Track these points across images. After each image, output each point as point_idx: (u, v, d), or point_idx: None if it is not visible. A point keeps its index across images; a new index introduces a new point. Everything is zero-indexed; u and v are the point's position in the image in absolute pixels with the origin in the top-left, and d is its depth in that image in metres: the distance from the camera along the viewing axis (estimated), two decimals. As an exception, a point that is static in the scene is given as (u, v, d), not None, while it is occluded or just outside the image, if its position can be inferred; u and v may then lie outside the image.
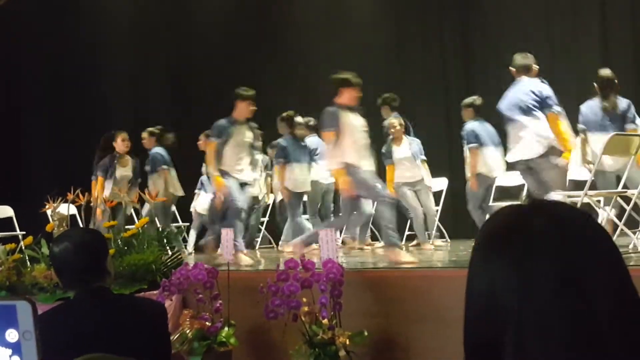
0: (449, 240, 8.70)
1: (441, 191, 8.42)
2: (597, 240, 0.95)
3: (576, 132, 5.75)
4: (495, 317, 0.92)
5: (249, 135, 6.62)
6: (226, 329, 4.26)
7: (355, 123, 5.63)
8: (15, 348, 1.02)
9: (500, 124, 6.20)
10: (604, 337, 0.87)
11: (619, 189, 5.16)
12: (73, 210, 7.18)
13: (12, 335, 1.02)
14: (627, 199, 5.23)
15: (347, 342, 3.80)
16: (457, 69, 10.65)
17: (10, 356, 1.02)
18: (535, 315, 0.89)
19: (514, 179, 7.10)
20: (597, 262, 0.92)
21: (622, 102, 5.79)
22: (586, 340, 0.87)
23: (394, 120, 7.81)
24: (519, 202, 1.02)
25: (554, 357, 0.87)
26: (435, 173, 8.23)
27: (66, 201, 5.85)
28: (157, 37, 11.48)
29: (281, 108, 9.88)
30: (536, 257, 0.91)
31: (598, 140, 5.51)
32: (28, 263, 5.26)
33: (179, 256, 5.19)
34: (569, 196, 4.95)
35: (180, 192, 8.56)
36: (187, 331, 4.23)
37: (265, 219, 9.44)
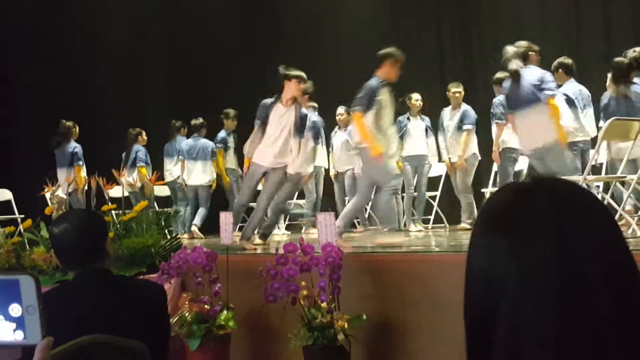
0: (447, 225, 8.75)
1: (440, 177, 8.43)
2: (598, 219, 0.93)
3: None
4: (493, 295, 0.91)
5: None
6: (225, 312, 4.28)
7: None
8: (19, 322, 1.03)
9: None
10: (600, 321, 0.86)
11: (619, 173, 5.16)
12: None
13: (15, 309, 1.02)
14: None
15: (346, 326, 3.82)
16: (454, 58, 10.65)
17: (14, 330, 1.03)
18: (531, 295, 0.88)
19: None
20: (597, 243, 0.90)
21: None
22: (582, 323, 0.86)
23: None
24: (521, 181, 1.00)
25: (547, 338, 0.87)
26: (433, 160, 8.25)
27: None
28: (156, 32, 11.45)
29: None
30: (534, 236, 0.90)
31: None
32: (27, 246, 5.27)
33: (178, 239, 5.20)
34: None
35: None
36: (186, 314, 4.24)
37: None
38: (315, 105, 8.12)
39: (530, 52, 5.54)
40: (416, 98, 8.19)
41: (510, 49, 5.52)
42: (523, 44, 5.58)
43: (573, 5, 9.61)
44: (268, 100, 6.14)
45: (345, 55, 10.84)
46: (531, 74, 5.40)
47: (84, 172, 8.55)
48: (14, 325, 1.03)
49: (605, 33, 9.28)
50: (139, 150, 9.19)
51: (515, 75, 5.42)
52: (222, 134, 9.06)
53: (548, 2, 9.77)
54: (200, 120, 9.14)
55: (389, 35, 10.97)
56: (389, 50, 5.66)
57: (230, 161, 9.04)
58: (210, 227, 8.76)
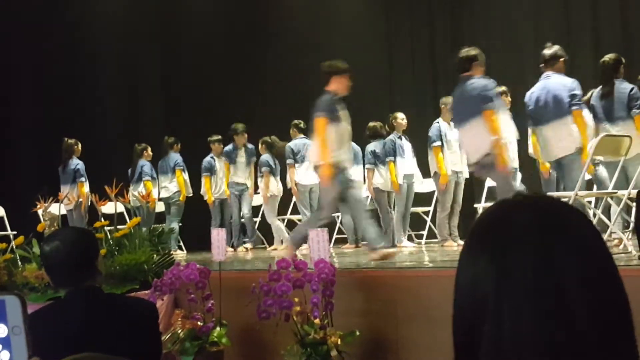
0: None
1: (433, 192, 8.44)
2: (581, 235, 0.94)
3: None
4: (477, 308, 0.92)
5: None
6: (218, 328, 4.26)
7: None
8: (5, 343, 1.03)
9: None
10: (580, 334, 0.87)
11: (610, 189, 5.17)
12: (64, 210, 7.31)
13: (1, 330, 1.03)
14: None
15: (339, 342, 3.81)
16: (446, 64, 10.70)
17: (0, 351, 1.03)
18: (511, 307, 0.89)
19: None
20: (579, 258, 0.91)
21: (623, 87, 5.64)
22: (560, 335, 0.87)
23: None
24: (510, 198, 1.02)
25: (527, 351, 0.87)
26: (425, 173, 8.23)
27: (57, 201, 5.83)
28: (151, 37, 11.46)
29: (272, 106, 9.95)
30: (515, 249, 0.92)
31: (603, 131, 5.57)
32: (19, 263, 5.25)
33: (171, 256, 5.18)
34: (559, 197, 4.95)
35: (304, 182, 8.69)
36: (179, 331, 4.22)
37: (258, 219, 9.45)
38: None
39: (621, 65, 5.62)
40: (402, 117, 8.24)
41: (606, 60, 5.59)
42: (613, 56, 5.63)
43: (565, 6, 9.69)
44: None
45: (336, 52, 10.91)
46: (624, 89, 5.49)
47: (86, 189, 8.66)
48: (0, 346, 1.03)
49: (596, 37, 9.37)
50: (144, 165, 9.30)
51: (611, 89, 5.50)
52: (228, 147, 9.17)
53: (541, 4, 9.84)
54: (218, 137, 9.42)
55: (384, 37, 11.07)
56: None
57: (240, 174, 9.08)
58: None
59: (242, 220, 9.29)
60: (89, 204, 8.50)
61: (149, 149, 9.48)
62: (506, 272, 0.91)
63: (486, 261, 0.93)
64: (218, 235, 4.65)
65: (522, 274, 0.90)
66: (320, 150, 5.25)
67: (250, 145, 9.20)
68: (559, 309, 0.88)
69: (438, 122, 7.77)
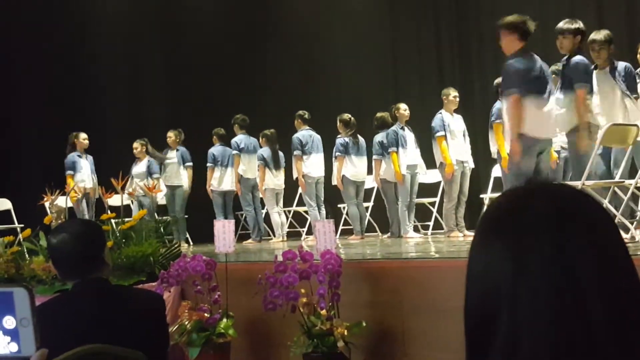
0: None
1: (438, 183, 8.43)
2: (596, 223, 0.92)
3: None
4: (491, 298, 0.91)
5: None
6: (225, 320, 4.28)
7: None
8: (13, 335, 1.03)
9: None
10: (594, 325, 0.86)
11: (617, 178, 5.15)
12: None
13: (9, 322, 1.03)
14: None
15: (345, 333, 3.82)
16: (452, 59, 10.68)
17: (8, 343, 1.03)
18: (527, 296, 0.88)
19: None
20: (594, 246, 0.89)
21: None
22: (577, 327, 0.86)
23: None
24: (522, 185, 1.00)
25: (541, 347, 0.87)
26: (431, 164, 8.20)
27: (64, 194, 5.84)
28: (154, 32, 11.45)
29: (278, 101, 9.94)
30: (530, 237, 0.90)
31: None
32: (26, 255, 5.27)
33: (178, 247, 5.19)
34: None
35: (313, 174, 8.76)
36: (186, 322, 4.24)
37: (264, 211, 9.46)
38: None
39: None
40: (404, 108, 8.24)
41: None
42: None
43: (570, 7, 9.65)
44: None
45: (341, 58, 10.90)
46: None
47: (79, 182, 8.77)
48: (8, 338, 1.03)
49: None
50: (151, 161, 9.36)
51: None
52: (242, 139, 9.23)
53: (547, 3, 9.80)
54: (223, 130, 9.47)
55: (388, 27, 11.04)
56: None
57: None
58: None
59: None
60: (96, 197, 8.60)
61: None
62: (521, 262, 0.89)
63: (500, 251, 0.91)
64: (224, 227, 4.65)
65: (538, 264, 0.88)
66: (584, 115, 5.13)
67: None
68: (574, 305, 0.87)
69: (441, 113, 7.75)
